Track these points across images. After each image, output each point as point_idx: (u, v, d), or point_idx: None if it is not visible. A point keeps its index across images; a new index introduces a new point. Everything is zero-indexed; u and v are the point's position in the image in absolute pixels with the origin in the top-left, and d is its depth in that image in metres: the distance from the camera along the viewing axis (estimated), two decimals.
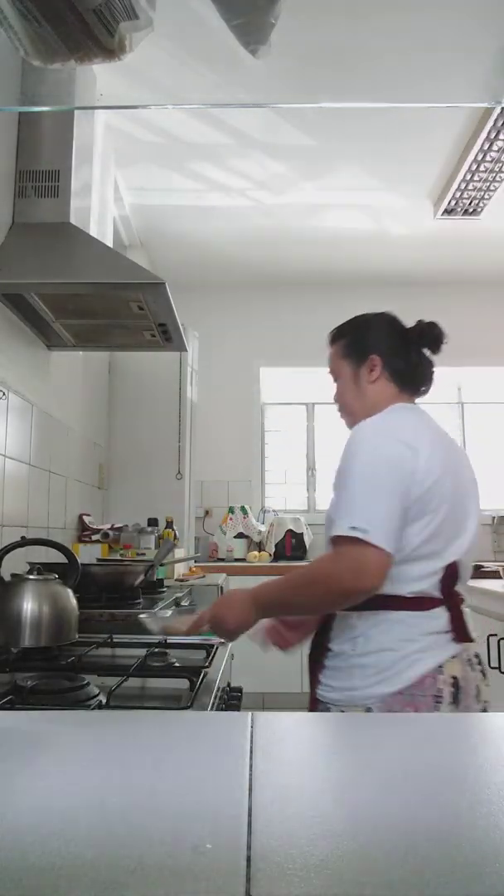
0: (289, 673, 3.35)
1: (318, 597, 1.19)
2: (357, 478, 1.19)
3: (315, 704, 1.28)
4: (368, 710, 1.18)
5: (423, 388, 1.41)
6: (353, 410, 1.40)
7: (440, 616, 1.22)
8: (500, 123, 2.95)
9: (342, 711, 1.21)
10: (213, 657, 1.38)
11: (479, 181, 3.43)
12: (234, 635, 1.29)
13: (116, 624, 1.66)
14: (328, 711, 1.23)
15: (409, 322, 1.44)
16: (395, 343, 1.39)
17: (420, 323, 1.40)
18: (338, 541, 1.15)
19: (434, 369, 1.41)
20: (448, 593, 1.23)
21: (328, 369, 1.47)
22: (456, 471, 1.28)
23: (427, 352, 1.40)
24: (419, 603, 1.21)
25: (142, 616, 1.39)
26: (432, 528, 1.21)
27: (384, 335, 1.40)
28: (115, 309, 2.12)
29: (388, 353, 1.38)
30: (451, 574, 1.23)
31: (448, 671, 1.19)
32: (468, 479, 1.33)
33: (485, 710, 1.26)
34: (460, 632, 1.22)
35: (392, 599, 1.19)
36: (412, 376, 1.39)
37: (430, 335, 1.39)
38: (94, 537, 2.85)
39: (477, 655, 1.27)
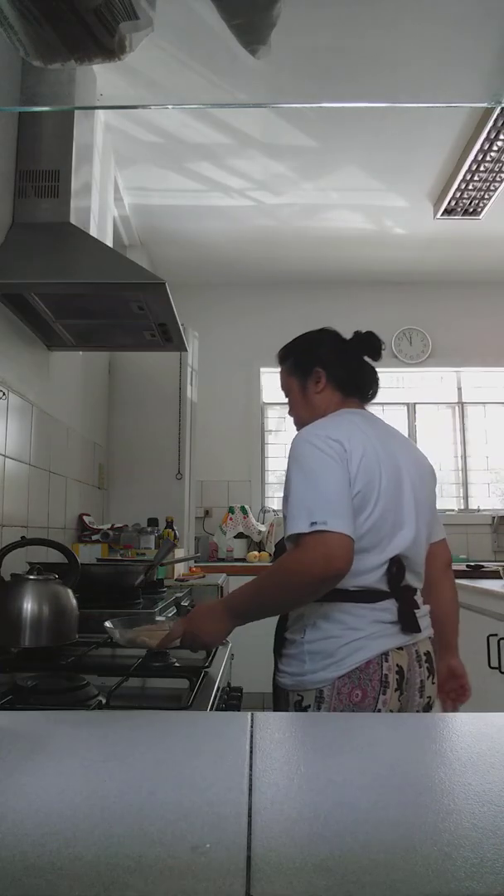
0: None
1: (293, 590, 1.22)
2: (303, 478, 1.26)
3: (276, 692, 1.36)
4: (320, 692, 1.25)
5: (371, 393, 1.51)
6: (304, 421, 1.48)
7: (388, 608, 1.29)
8: (500, 123, 2.95)
9: (299, 696, 1.28)
10: (213, 657, 1.38)
11: (479, 181, 3.43)
12: (209, 648, 1.32)
13: None
14: (287, 697, 1.31)
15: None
16: (336, 355, 1.49)
17: (358, 333, 1.50)
18: (301, 537, 1.21)
19: (377, 375, 1.51)
20: (395, 586, 1.30)
21: (280, 387, 1.57)
22: (395, 469, 1.36)
23: (368, 359, 1.49)
24: (365, 596, 1.28)
25: (106, 624, 1.37)
26: (371, 522, 1.28)
27: (326, 349, 1.50)
28: (115, 309, 2.12)
29: (330, 365, 1.47)
30: (396, 568, 1.30)
31: (393, 659, 1.26)
32: (414, 479, 1.40)
33: (428, 705, 1.36)
34: (408, 624, 1.29)
35: (338, 593, 1.25)
36: (355, 384, 1.49)
37: (367, 343, 1.48)
38: (94, 537, 2.85)
39: (427, 654, 1.35)
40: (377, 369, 1.53)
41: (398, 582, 1.31)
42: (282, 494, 1.34)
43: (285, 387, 1.55)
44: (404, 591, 1.31)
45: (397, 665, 1.27)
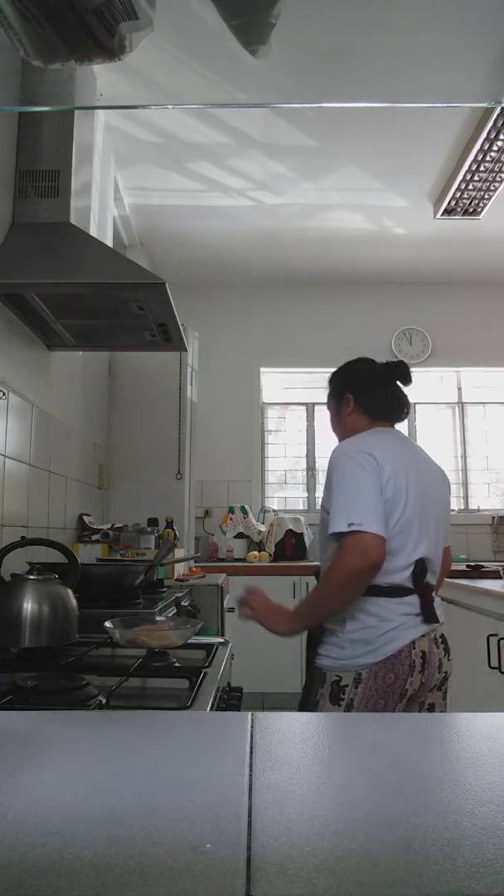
0: (289, 673, 3.35)
1: (340, 587, 1.43)
2: (341, 485, 1.48)
3: (312, 671, 1.57)
4: (358, 675, 1.46)
5: (405, 411, 1.72)
6: (340, 437, 1.73)
7: (412, 603, 1.51)
8: (500, 123, 2.95)
9: (337, 676, 1.49)
10: (213, 657, 1.38)
11: (479, 181, 3.43)
12: (259, 622, 1.56)
13: None
14: (324, 677, 1.52)
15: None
16: (365, 383, 1.71)
17: (389, 363, 1.74)
18: (341, 537, 1.43)
19: (407, 399, 1.72)
20: (419, 584, 1.52)
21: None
22: (420, 481, 1.56)
23: (399, 383, 1.70)
24: (393, 591, 1.50)
25: (106, 624, 1.37)
26: (399, 527, 1.49)
27: (357, 377, 1.73)
28: (115, 309, 2.12)
29: (358, 392, 1.71)
30: (420, 568, 1.52)
31: (419, 646, 1.49)
32: (435, 490, 1.61)
33: (445, 678, 1.57)
34: (429, 615, 1.51)
35: (372, 589, 1.47)
36: (382, 408, 1.70)
37: (396, 371, 1.70)
38: (94, 537, 2.84)
39: (442, 636, 1.57)
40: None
41: (421, 580, 1.52)
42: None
43: (328, 407, 1.80)
44: (425, 587, 1.52)
45: (421, 651, 1.49)
